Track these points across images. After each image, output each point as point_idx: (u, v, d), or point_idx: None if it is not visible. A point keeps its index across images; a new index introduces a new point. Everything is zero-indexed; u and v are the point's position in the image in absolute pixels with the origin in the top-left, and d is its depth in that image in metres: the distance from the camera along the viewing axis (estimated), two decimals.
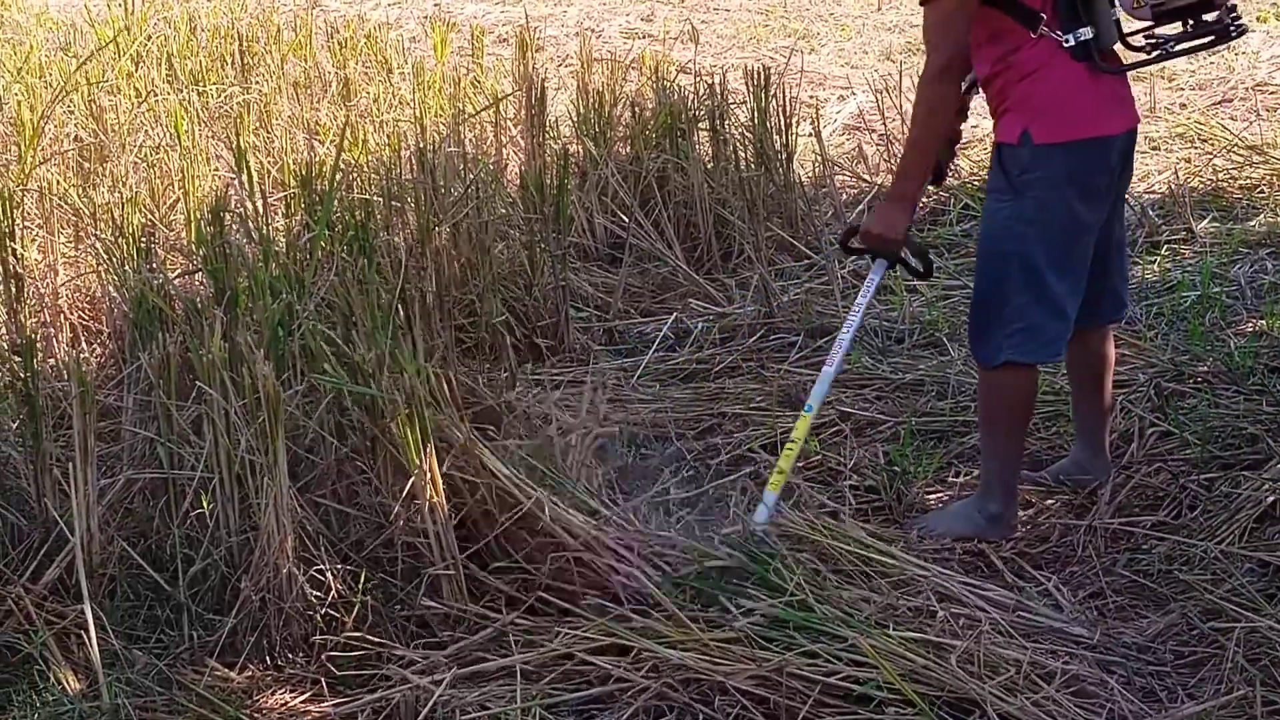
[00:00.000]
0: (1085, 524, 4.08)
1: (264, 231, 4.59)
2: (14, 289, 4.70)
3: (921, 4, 3.91)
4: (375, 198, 5.20)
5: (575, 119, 6.65)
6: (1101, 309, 4.17)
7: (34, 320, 4.85)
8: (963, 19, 3.85)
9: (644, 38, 10.56)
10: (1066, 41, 3.84)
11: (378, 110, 6.82)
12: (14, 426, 3.98)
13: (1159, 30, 3.99)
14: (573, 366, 5.26)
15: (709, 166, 6.34)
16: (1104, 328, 4.27)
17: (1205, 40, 3.98)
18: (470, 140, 6.35)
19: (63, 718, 3.31)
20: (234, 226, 4.65)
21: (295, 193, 5.15)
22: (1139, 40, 4.05)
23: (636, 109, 6.52)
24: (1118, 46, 3.96)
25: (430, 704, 3.29)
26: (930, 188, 4.77)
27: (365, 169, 5.47)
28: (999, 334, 3.98)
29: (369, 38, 7.70)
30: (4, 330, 4.79)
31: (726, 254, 6.20)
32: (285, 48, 7.42)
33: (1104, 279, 4.12)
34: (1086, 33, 3.84)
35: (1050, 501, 4.25)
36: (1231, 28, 3.92)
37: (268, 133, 6.32)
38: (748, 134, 6.54)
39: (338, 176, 5.01)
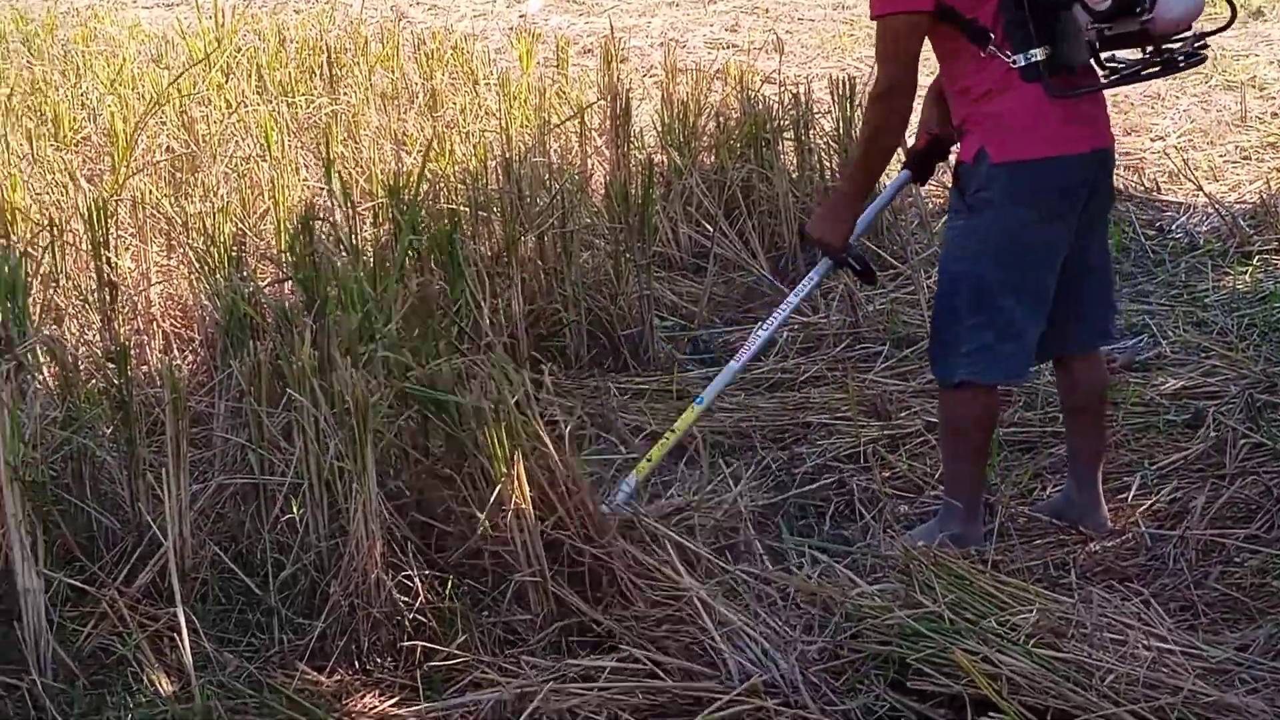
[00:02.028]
0: (1176, 535, 4.03)
1: (353, 241, 4.63)
2: (108, 297, 4.77)
3: (873, 18, 3.83)
4: (462, 207, 5.23)
5: (660, 129, 6.67)
6: (1075, 335, 4.06)
7: (127, 328, 4.92)
8: (914, 36, 3.78)
9: (728, 48, 10.55)
10: (1016, 63, 3.74)
11: (464, 121, 6.86)
12: (108, 432, 4.04)
13: (1120, 56, 3.90)
14: (657, 375, 5.27)
15: (794, 176, 6.33)
16: (1088, 356, 4.14)
17: (1159, 69, 3.88)
18: (555, 150, 6.38)
19: (157, 719, 3.35)
20: (323, 236, 4.69)
21: (383, 202, 5.19)
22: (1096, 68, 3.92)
23: (721, 119, 6.52)
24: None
25: (525, 714, 3.29)
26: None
27: (452, 179, 5.51)
28: (954, 354, 3.92)
29: (455, 49, 7.75)
30: (98, 338, 4.87)
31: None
32: (373, 59, 7.48)
33: (1077, 305, 4.00)
34: (1037, 54, 3.73)
35: (1140, 513, 4.20)
36: (1180, 58, 3.81)
37: (355, 143, 6.37)
38: (833, 144, 6.53)
39: (424, 186, 5.06)
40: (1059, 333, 4.00)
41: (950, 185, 4.02)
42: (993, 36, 3.75)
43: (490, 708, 3.34)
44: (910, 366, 5.26)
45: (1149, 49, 3.84)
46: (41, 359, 4.31)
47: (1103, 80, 3.90)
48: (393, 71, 7.48)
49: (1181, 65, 3.85)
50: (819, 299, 5.80)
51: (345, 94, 7.19)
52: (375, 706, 3.43)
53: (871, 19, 3.84)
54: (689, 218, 6.23)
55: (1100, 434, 4.22)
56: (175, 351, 5.10)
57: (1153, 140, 7.89)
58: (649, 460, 4.01)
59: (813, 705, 3.22)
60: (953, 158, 4.13)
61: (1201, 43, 3.85)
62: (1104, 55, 3.89)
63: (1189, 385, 4.98)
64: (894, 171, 4.56)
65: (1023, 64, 3.75)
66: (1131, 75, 3.93)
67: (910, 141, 4.40)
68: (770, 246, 6.18)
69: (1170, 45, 3.83)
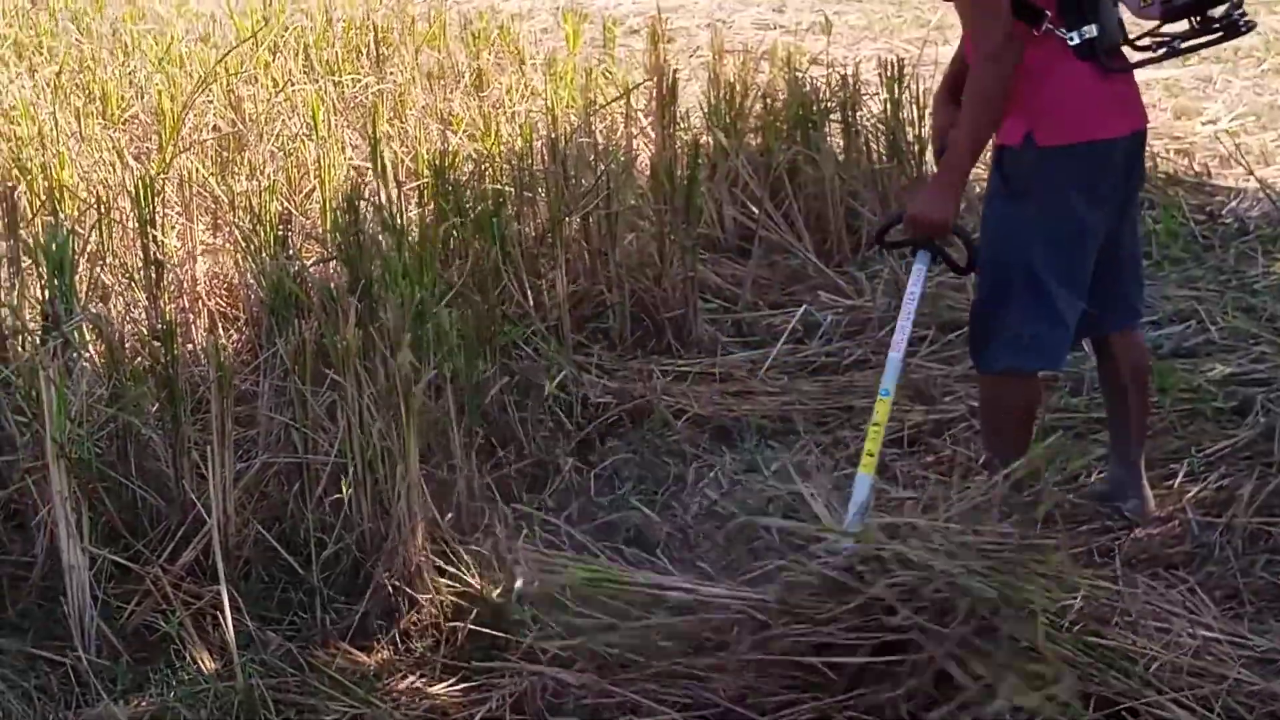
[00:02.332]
0: (1223, 523, 3.99)
1: (399, 220, 4.63)
2: (154, 275, 4.78)
3: None
4: (507, 188, 5.23)
5: (706, 110, 6.64)
6: (1111, 316, 4.01)
7: (173, 306, 4.94)
8: None
9: (775, 29, 10.52)
10: (1071, 40, 3.68)
11: (510, 101, 6.85)
12: (153, 410, 4.05)
13: (1165, 29, 3.83)
14: (701, 358, 5.26)
15: (840, 159, 6.29)
16: (1127, 334, 4.09)
17: (1213, 37, 3.80)
18: (601, 131, 6.36)
19: (199, 696, 3.37)
20: (368, 215, 4.70)
21: (428, 182, 5.19)
22: (1144, 41, 3.87)
23: (768, 100, 6.49)
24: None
25: (567, 695, 3.29)
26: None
27: (497, 159, 5.50)
28: (998, 341, 3.86)
29: (502, 29, 7.74)
30: (144, 316, 4.89)
31: (856, 246, 6.16)
32: (420, 39, 7.48)
33: (1114, 285, 3.96)
34: (1091, 31, 3.68)
35: (1187, 499, 4.16)
36: (1241, 23, 3.75)
37: (401, 123, 6.38)
38: (880, 126, 6.48)
39: (469, 166, 5.06)
40: (1099, 316, 3.97)
41: (991, 166, 3.94)
42: (1048, 14, 3.70)
43: (528, 689, 3.34)
44: (955, 351, 5.22)
45: (1197, 19, 3.78)
46: (88, 336, 4.34)
47: (1154, 55, 3.85)
48: (439, 51, 7.48)
49: (1242, 30, 3.78)
50: (863, 283, 5.78)
51: (392, 73, 7.19)
52: (417, 687, 3.44)
53: None
54: (734, 199, 6.20)
55: (1143, 414, 4.18)
56: (220, 330, 5.12)
57: (1203, 124, 7.81)
58: (871, 455, 3.74)
59: None
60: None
61: (1242, 8, 3.78)
62: (1147, 31, 3.85)
63: (1237, 372, 4.93)
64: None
65: (1077, 41, 3.69)
66: (1191, 46, 3.85)
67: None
68: (816, 229, 6.14)
69: (1214, 12, 3.76)
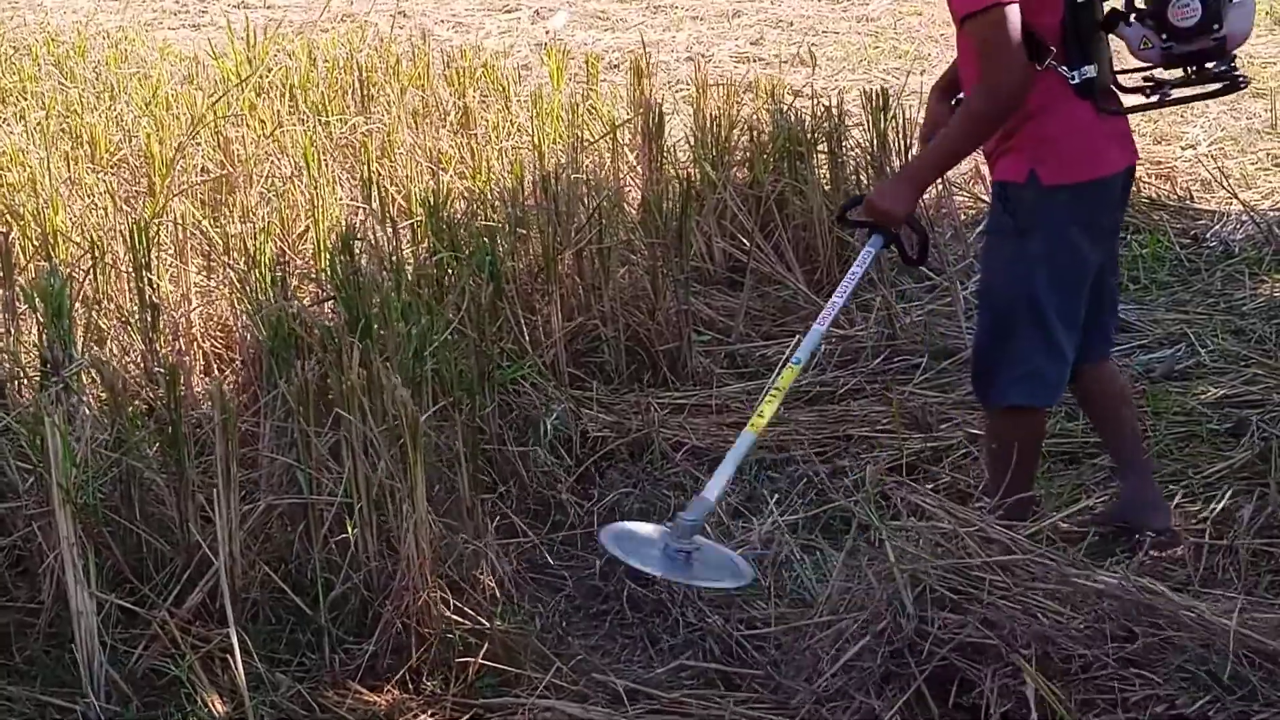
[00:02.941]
0: (1225, 544, 4.02)
1: (395, 258, 4.65)
2: (150, 318, 4.78)
3: (971, 14, 3.66)
4: (500, 224, 5.25)
5: (692, 143, 6.67)
6: (1092, 348, 4.06)
7: (168, 349, 4.93)
8: (1015, 21, 3.62)
9: (754, 61, 10.56)
10: (1073, 79, 3.73)
11: (496, 138, 6.87)
12: (151, 453, 4.04)
13: (1157, 74, 3.88)
14: (696, 390, 5.27)
15: (827, 189, 6.33)
16: (1104, 363, 4.15)
17: (1211, 89, 3.86)
18: (588, 166, 6.39)
19: None
20: (364, 254, 4.71)
21: (421, 220, 5.21)
22: (1133, 79, 3.92)
23: (754, 132, 6.52)
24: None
25: None
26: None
27: (489, 196, 5.52)
28: (1004, 377, 3.90)
29: (485, 66, 7.76)
30: (139, 359, 4.88)
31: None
32: (404, 79, 7.50)
33: (1096, 316, 4.01)
34: (1090, 70, 3.73)
35: (1188, 521, 4.19)
36: (1239, 79, 3.80)
37: (390, 162, 6.39)
38: (866, 155, 6.52)
39: (462, 204, 5.07)
40: (1084, 346, 4.00)
41: (992, 201, 3.99)
42: (1053, 50, 3.72)
43: None
44: (949, 378, 5.26)
45: (1192, 69, 3.82)
46: (86, 381, 4.34)
47: (1147, 100, 3.91)
48: (423, 90, 7.49)
49: (1241, 85, 3.83)
50: (855, 312, 5.80)
51: (377, 113, 7.21)
52: None
53: (966, 16, 3.68)
54: (724, 232, 6.23)
55: (1135, 425, 4.23)
56: (216, 372, 5.12)
57: (1183, 148, 7.86)
58: (761, 416, 3.83)
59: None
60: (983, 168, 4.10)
61: (1235, 64, 3.82)
62: (1141, 75, 3.89)
63: (1230, 394, 4.98)
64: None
65: (1078, 80, 3.73)
66: (1185, 97, 3.93)
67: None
68: (805, 260, 6.17)
69: (1209, 65, 3.80)
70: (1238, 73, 3.82)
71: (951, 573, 3.33)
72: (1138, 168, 5.78)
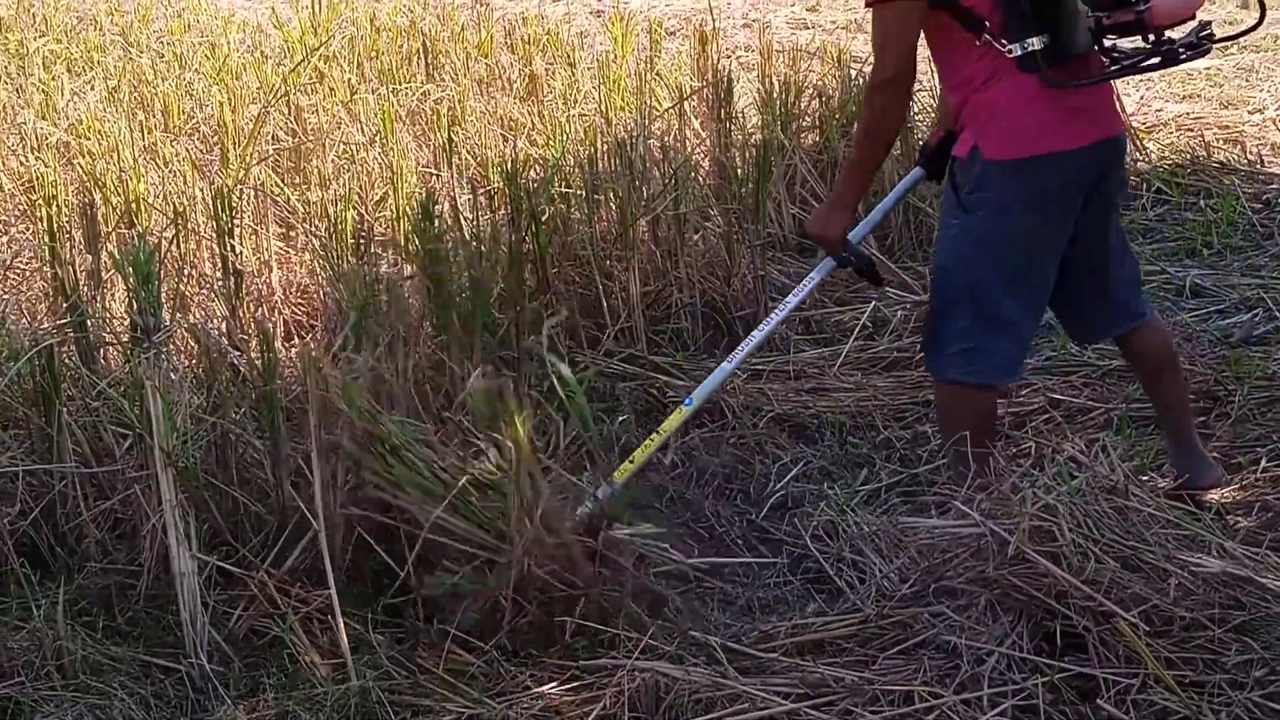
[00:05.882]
0: None
1: (476, 226, 4.67)
2: (234, 284, 4.82)
3: (867, 6, 3.63)
4: (578, 191, 5.27)
5: (760, 109, 6.67)
6: (1107, 324, 4.03)
7: (252, 315, 4.98)
8: (911, 23, 3.59)
9: (810, 28, 10.54)
10: (1011, 51, 3.59)
11: (564, 106, 6.89)
12: (237, 415, 4.07)
13: (1121, 44, 3.76)
14: (772, 356, 5.29)
15: (898, 153, 6.30)
16: (1139, 330, 4.06)
17: (1153, 62, 3.72)
18: (657, 132, 6.39)
19: (316, 699, 3.40)
20: (447, 221, 4.74)
21: (498, 187, 5.23)
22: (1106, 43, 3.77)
23: (823, 97, 6.52)
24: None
25: (672, 693, 3.31)
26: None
27: (568, 163, 5.54)
28: (947, 351, 3.85)
29: (550, 34, 7.77)
30: (223, 325, 4.93)
31: (920, 241, 6.18)
32: (470, 46, 7.51)
33: (1103, 295, 3.95)
34: (1034, 43, 3.58)
35: (1274, 487, 4.19)
36: (1178, 52, 3.66)
37: (463, 129, 6.41)
38: (933, 117, 6.49)
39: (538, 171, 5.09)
40: (1093, 321, 3.99)
41: (945, 176, 3.89)
42: (988, 24, 3.61)
43: (641, 686, 3.37)
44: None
45: (1149, 39, 3.70)
46: (178, 346, 4.38)
47: (1109, 70, 3.75)
48: (488, 57, 7.51)
49: (1182, 57, 3.69)
50: (929, 278, 5.78)
51: (443, 80, 7.23)
52: (527, 686, 3.46)
53: (865, 7, 3.66)
54: (794, 197, 6.23)
55: (1182, 388, 4.18)
56: (295, 338, 5.16)
57: (1250, 113, 7.82)
58: (631, 462, 3.87)
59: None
60: None
61: (1206, 33, 3.72)
62: (1106, 43, 3.75)
63: None
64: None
65: (1019, 53, 3.60)
66: (1131, 67, 3.77)
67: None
68: (879, 225, 6.14)
69: (1172, 35, 3.70)
70: (1180, 44, 3.67)
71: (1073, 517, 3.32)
72: (1205, 131, 5.72)
